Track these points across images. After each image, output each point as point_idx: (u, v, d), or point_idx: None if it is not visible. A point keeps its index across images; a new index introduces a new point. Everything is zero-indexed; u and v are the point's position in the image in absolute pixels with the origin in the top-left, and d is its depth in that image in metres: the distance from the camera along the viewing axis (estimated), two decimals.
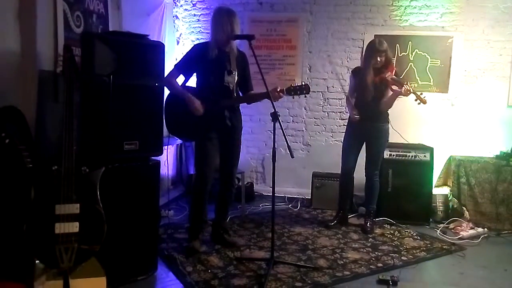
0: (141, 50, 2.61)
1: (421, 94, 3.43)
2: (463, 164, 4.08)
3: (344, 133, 3.90)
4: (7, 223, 2.13)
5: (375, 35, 4.59)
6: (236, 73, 3.05)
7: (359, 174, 3.91)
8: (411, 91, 3.40)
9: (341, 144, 3.92)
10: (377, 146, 3.74)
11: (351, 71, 3.88)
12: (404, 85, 3.44)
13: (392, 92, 3.56)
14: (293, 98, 3.08)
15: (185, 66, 3.05)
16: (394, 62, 4.58)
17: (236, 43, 3.03)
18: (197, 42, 4.94)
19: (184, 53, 3.14)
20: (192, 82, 3.13)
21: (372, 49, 3.57)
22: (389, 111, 3.75)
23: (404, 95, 3.45)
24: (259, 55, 3.04)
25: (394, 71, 3.65)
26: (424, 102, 3.43)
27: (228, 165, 3.19)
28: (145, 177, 2.66)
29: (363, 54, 3.75)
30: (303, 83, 2.99)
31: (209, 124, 3.00)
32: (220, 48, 3.00)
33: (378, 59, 3.55)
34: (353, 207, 4.32)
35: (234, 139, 3.16)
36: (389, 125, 3.78)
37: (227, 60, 3.02)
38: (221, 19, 2.94)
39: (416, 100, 3.43)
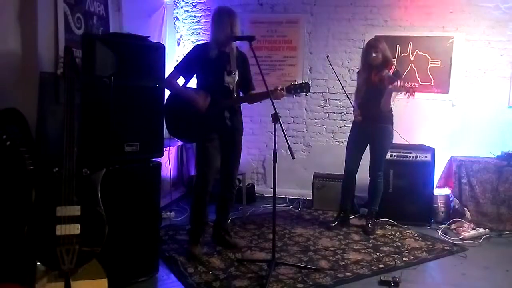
0: (141, 52, 2.61)
1: (409, 85, 3.44)
2: (464, 164, 4.08)
3: (348, 134, 3.91)
4: (8, 225, 2.13)
5: (375, 36, 4.59)
6: (237, 73, 3.05)
7: (361, 174, 3.91)
8: (399, 84, 3.38)
9: (342, 145, 3.94)
10: (380, 147, 3.74)
11: (357, 73, 3.89)
12: (396, 80, 3.43)
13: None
14: (294, 97, 3.08)
15: (185, 67, 3.05)
16: (395, 62, 4.62)
17: (235, 43, 3.03)
18: (197, 43, 4.95)
19: (184, 55, 3.14)
20: (193, 83, 3.13)
21: (367, 46, 3.64)
22: (392, 113, 3.74)
23: (395, 90, 3.44)
24: (260, 56, 3.03)
25: (393, 69, 3.63)
26: (413, 94, 3.38)
27: (229, 166, 3.19)
28: (146, 178, 2.66)
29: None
30: (303, 81, 2.99)
31: (209, 125, 3.00)
32: (220, 48, 2.99)
33: (373, 54, 3.56)
34: (355, 208, 4.32)
35: (235, 140, 3.16)
36: (393, 127, 3.76)
37: (227, 61, 3.02)
38: (221, 19, 2.94)
39: (405, 94, 3.40)
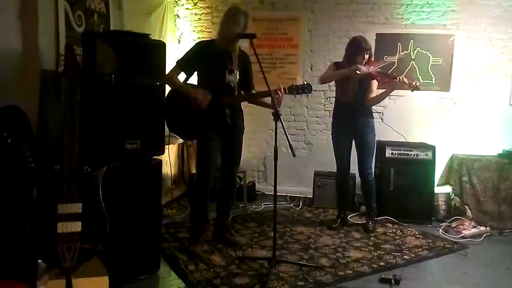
0: (142, 49, 2.61)
1: (412, 81, 3.43)
2: (465, 162, 4.08)
3: (331, 132, 3.87)
4: (9, 222, 2.13)
5: (376, 34, 4.59)
6: (238, 72, 3.05)
7: None
8: (405, 81, 3.38)
9: None
10: (366, 142, 3.70)
11: (334, 63, 3.74)
12: (398, 77, 3.42)
13: (380, 86, 3.54)
14: (295, 97, 3.07)
15: (187, 63, 3.04)
16: (396, 62, 4.62)
17: (238, 43, 3.03)
18: (198, 40, 4.94)
19: (187, 50, 3.13)
20: (193, 80, 3.12)
21: (359, 48, 3.53)
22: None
23: (399, 85, 3.42)
24: (260, 54, 3.01)
25: (375, 64, 3.57)
26: (418, 88, 3.42)
27: (229, 164, 3.19)
28: (147, 176, 2.66)
29: (346, 51, 3.68)
30: (305, 82, 2.99)
31: (210, 122, 3.00)
32: (224, 46, 2.99)
33: (366, 56, 3.53)
34: (355, 206, 4.32)
35: (235, 138, 3.15)
36: (374, 120, 3.75)
37: (228, 59, 3.01)
38: (237, 18, 2.91)
39: (409, 87, 3.41)
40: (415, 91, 3.51)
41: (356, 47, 3.57)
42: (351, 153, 3.80)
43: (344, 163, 3.80)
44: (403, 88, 3.50)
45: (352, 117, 3.66)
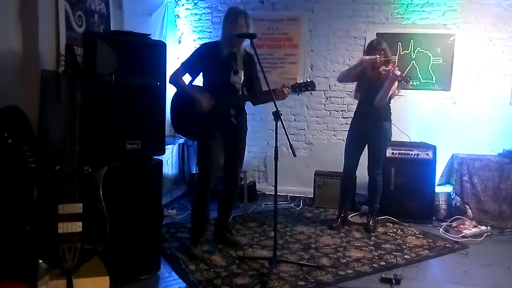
0: (142, 50, 2.61)
1: (404, 74, 3.46)
2: (466, 162, 4.08)
3: (347, 132, 3.90)
4: (10, 223, 2.14)
5: (377, 34, 4.59)
6: (243, 73, 3.05)
7: (361, 172, 3.90)
8: (396, 73, 3.38)
9: (343, 142, 3.92)
10: (377, 144, 3.72)
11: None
12: (389, 68, 3.43)
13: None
14: (299, 95, 3.06)
15: (192, 64, 3.04)
16: (396, 61, 4.60)
17: (243, 44, 3.03)
18: (198, 41, 4.96)
19: (192, 52, 3.14)
20: (199, 81, 3.13)
21: (370, 48, 3.62)
22: (391, 110, 3.73)
23: (391, 79, 3.42)
24: (261, 54, 3.02)
25: (391, 67, 3.58)
26: (408, 82, 3.47)
27: (232, 164, 3.19)
28: (148, 176, 2.66)
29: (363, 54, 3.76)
30: (308, 80, 2.99)
31: (214, 123, 3.00)
32: (229, 47, 2.99)
33: (378, 57, 3.53)
34: (356, 206, 4.32)
35: (239, 138, 3.15)
36: (391, 124, 3.76)
37: (233, 60, 3.02)
38: (237, 19, 2.90)
39: (400, 81, 3.44)
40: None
41: (368, 48, 3.66)
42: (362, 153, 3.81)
43: (351, 162, 3.80)
44: (398, 82, 3.48)
45: (364, 118, 3.68)
